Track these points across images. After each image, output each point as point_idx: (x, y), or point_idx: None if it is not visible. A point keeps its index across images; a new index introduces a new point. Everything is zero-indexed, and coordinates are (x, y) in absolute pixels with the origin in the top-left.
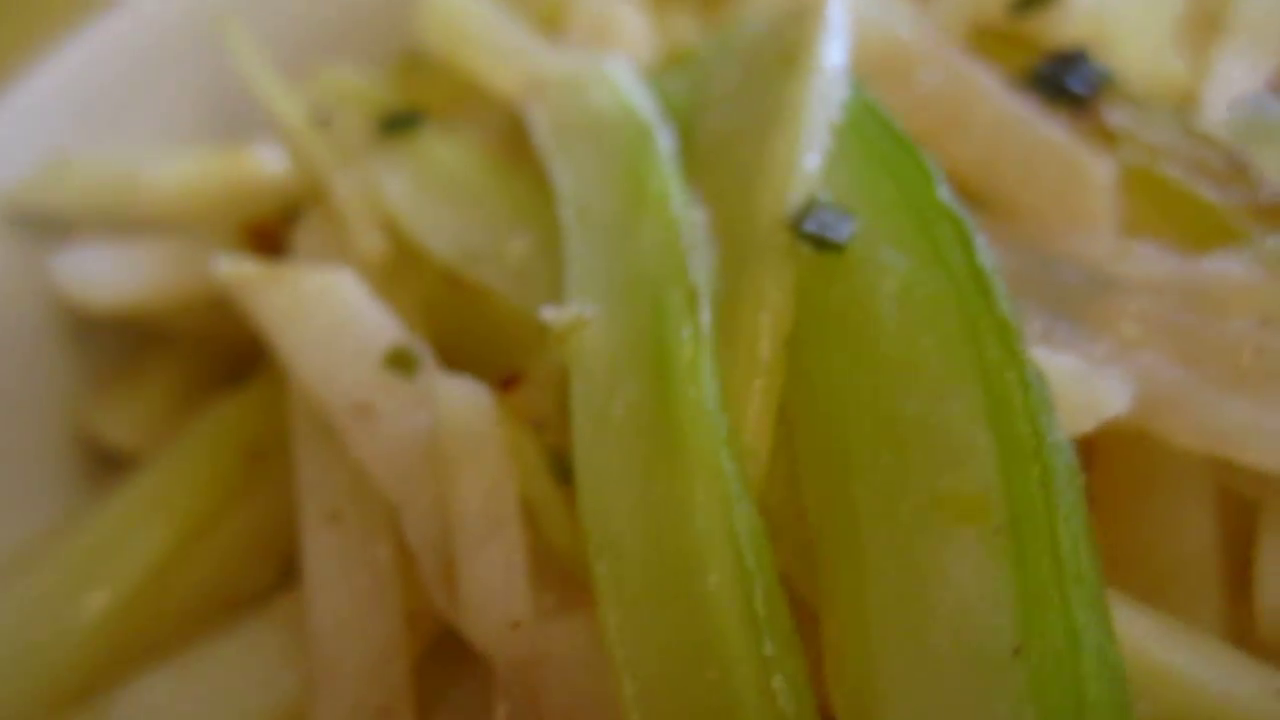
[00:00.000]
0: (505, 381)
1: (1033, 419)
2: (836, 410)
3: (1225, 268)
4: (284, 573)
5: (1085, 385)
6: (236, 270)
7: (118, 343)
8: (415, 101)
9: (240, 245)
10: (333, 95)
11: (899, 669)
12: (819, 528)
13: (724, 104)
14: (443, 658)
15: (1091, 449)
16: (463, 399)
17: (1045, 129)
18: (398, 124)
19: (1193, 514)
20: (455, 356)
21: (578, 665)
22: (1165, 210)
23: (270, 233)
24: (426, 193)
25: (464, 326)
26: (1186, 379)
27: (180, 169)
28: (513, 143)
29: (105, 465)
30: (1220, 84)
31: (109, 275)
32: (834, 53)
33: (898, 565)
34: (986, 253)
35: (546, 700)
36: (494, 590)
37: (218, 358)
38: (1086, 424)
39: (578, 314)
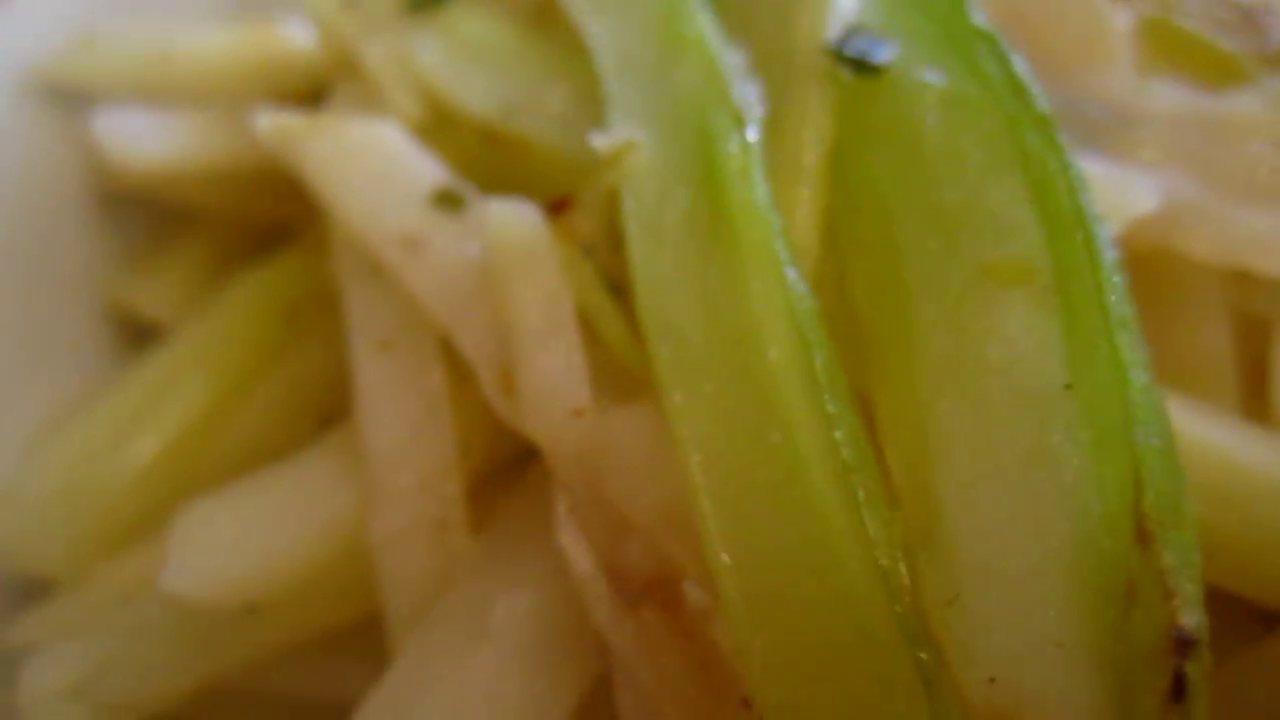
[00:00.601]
0: (554, 205)
1: (1073, 194)
2: (882, 209)
3: (1239, 101)
4: (323, 428)
5: (1116, 186)
6: (278, 123)
7: (149, 217)
8: None
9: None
10: None
11: (952, 417)
12: (869, 314)
13: None
14: (495, 484)
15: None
16: (514, 219)
17: None
18: (424, 1)
19: (1212, 323)
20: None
21: (638, 451)
22: (1179, 57)
23: (300, 107)
24: (459, 57)
25: (504, 174)
26: (1206, 194)
27: (211, 42)
28: (538, 16)
29: (139, 339)
30: None
31: (147, 140)
32: None
33: (949, 330)
34: (1023, 66)
35: (610, 486)
36: (556, 382)
37: (247, 233)
38: (1117, 223)
39: (628, 137)
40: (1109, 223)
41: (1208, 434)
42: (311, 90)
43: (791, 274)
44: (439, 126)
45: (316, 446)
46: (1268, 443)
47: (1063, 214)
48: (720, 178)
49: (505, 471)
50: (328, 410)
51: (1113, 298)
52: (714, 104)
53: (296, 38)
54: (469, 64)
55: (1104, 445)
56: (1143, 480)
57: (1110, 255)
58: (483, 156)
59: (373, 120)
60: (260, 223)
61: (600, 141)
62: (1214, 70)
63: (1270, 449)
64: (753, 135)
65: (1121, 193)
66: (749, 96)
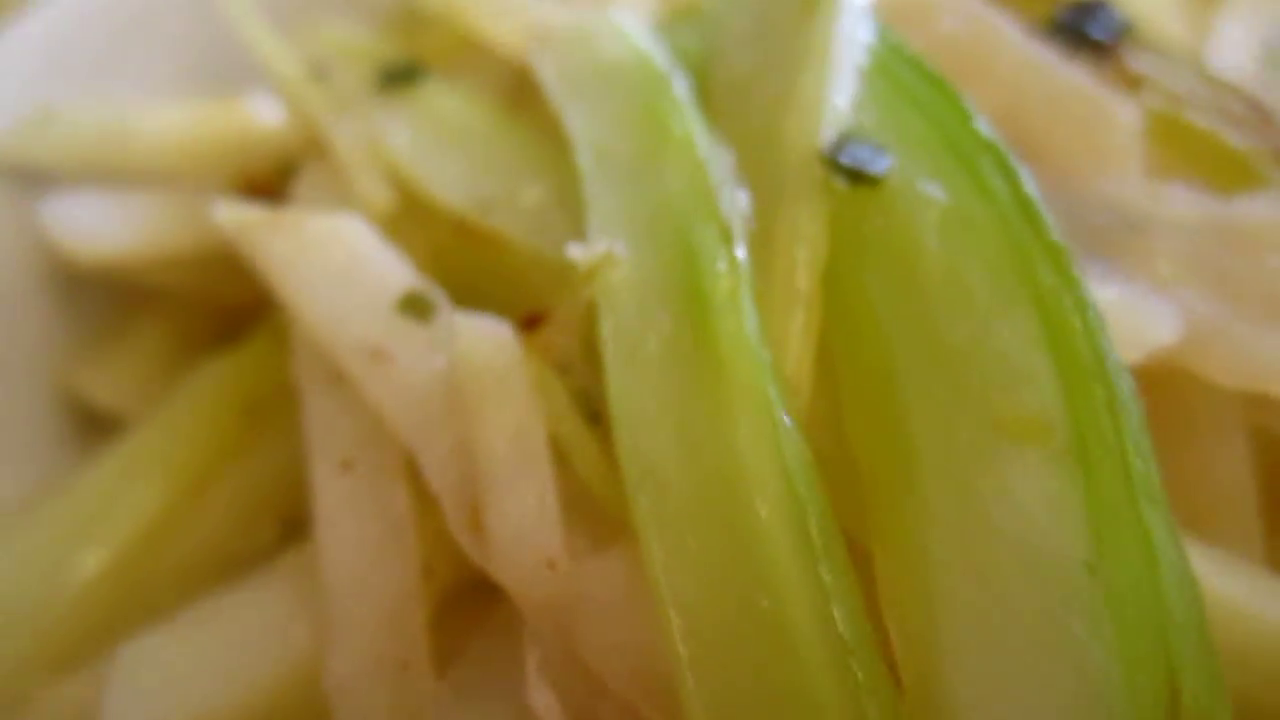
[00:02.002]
0: (527, 320)
1: (1092, 340)
2: (881, 341)
3: (1256, 207)
4: (285, 533)
5: (1133, 314)
6: (238, 216)
7: (106, 300)
8: (414, 55)
9: (235, 201)
10: (329, 50)
11: (962, 592)
12: (868, 461)
13: (740, 51)
14: (461, 610)
15: None
16: (485, 336)
17: (1069, 74)
18: (397, 77)
19: (1231, 451)
20: (469, 305)
21: (615, 606)
22: (1190, 155)
23: (266, 188)
24: (432, 142)
25: (477, 276)
26: (1223, 315)
27: (172, 120)
28: (516, 96)
29: (94, 426)
30: (1223, 46)
31: (100, 226)
32: None
33: (956, 489)
34: (1031, 182)
35: (582, 643)
36: (526, 528)
37: (209, 317)
38: (1135, 354)
39: (606, 249)
40: (1126, 352)
41: (1228, 587)
42: (280, 168)
43: (783, 418)
44: (410, 216)
45: (271, 569)
46: None
47: (1080, 363)
48: (706, 302)
49: (472, 593)
50: (290, 513)
51: (1139, 465)
52: (699, 214)
53: (263, 114)
54: (442, 149)
55: (1132, 639)
56: (1178, 685)
57: (1135, 415)
58: (455, 251)
59: (337, 214)
60: (224, 304)
61: (577, 252)
62: (1226, 170)
63: None
64: (741, 253)
65: (1140, 320)
66: (737, 206)
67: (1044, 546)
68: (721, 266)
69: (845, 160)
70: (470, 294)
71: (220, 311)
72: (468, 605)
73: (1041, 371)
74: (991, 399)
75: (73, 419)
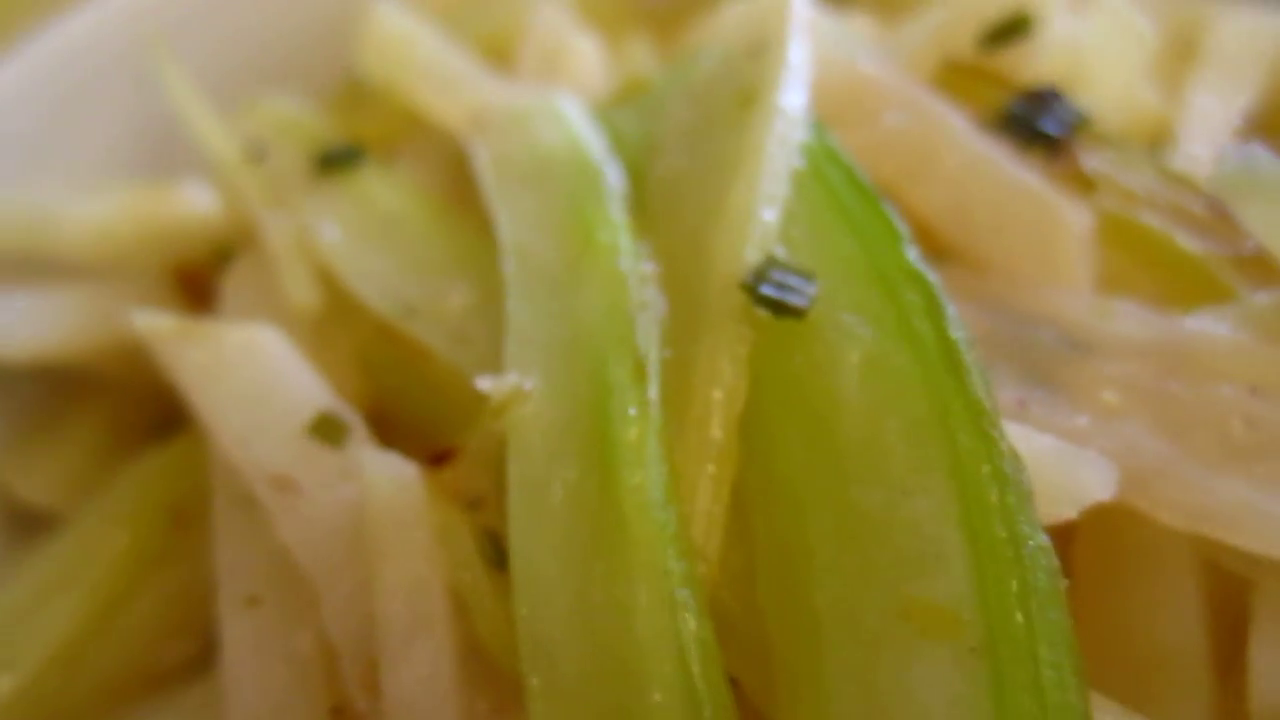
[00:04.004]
0: (436, 456)
1: (1010, 520)
2: (795, 500)
3: (1210, 329)
4: (205, 646)
5: (1067, 469)
6: (153, 324)
7: (37, 392)
8: (356, 134)
9: (168, 290)
10: (269, 128)
11: None
12: (776, 632)
13: (678, 145)
14: None
15: (1069, 527)
16: (388, 477)
17: (1017, 174)
18: (336, 160)
19: (1178, 597)
20: (392, 419)
21: None
22: (1145, 262)
23: (200, 278)
24: (363, 238)
25: (401, 386)
26: (1172, 453)
27: (101, 210)
28: (458, 180)
29: (26, 522)
30: (1196, 118)
31: (23, 325)
32: (793, 93)
33: (860, 683)
34: (957, 323)
35: None
36: (418, 698)
37: (140, 407)
38: (1068, 511)
39: (516, 385)
40: (1058, 508)
41: None
42: (215, 256)
43: (683, 594)
44: (336, 317)
45: (176, 706)
46: None
47: (997, 548)
48: (613, 453)
49: None
50: (212, 631)
51: (1050, 674)
52: (615, 344)
53: (195, 202)
54: (371, 246)
55: None
56: None
57: (1052, 610)
58: (380, 356)
59: (255, 325)
60: (158, 393)
61: (486, 385)
62: (1183, 279)
63: None
64: (654, 393)
65: (1073, 474)
66: (655, 332)
67: None
68: (632, 411)
69: (768, 290)
70: (395, 406)
71: (154, 401)
72: None
73: (954, 554)
74: (901, 581)
75: (7, 514)
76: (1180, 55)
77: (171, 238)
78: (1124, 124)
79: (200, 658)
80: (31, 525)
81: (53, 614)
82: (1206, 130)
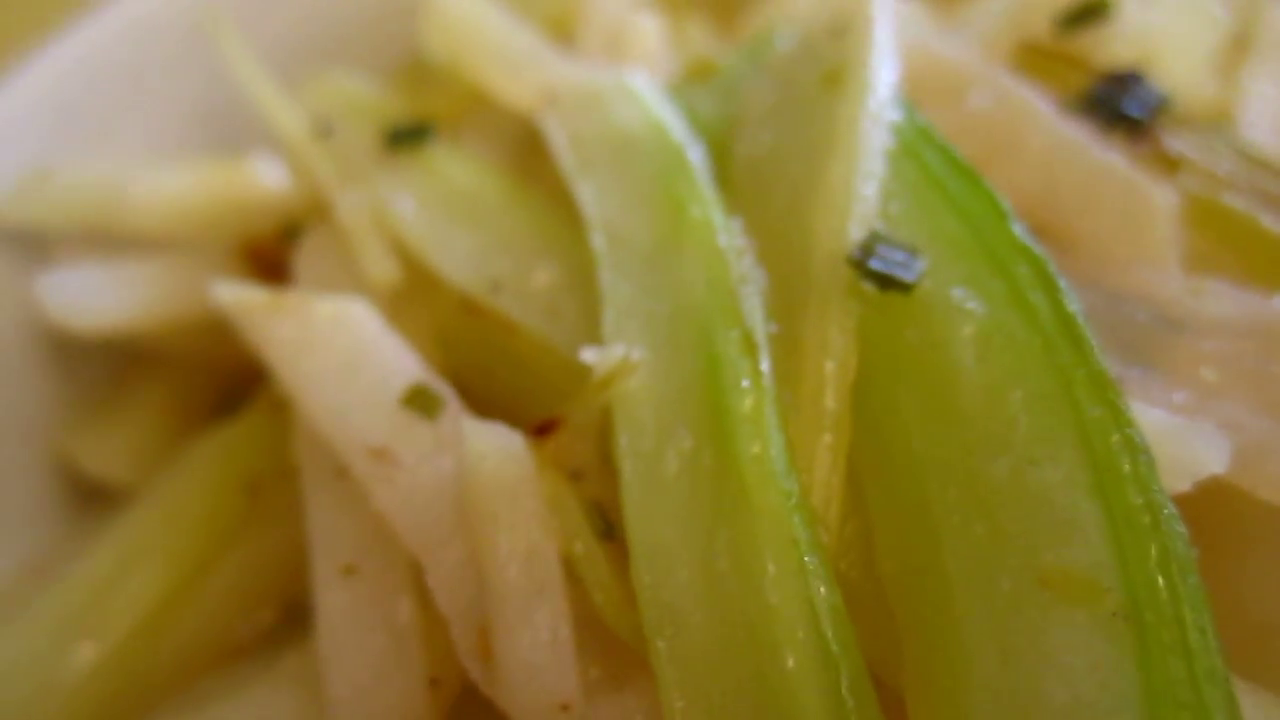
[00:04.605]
0: (540, 427)
1: (1145, 488)
2: (915, 469)
3: None
4: (287, 616)
5: (1180, 442)
6: (239, 297)
7: (104, 366)
8: (421, 112)
9: (237, 265)
10: (335, 105)
11: None
12: (901, 600)
13: (760, 125)
14: (468, 713)
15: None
16: (494, 447)
17: (1102, 155)
18: (404, 137)
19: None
20: (479, 394)
21: None
22: (1230, 243)
23: (269, 253)
24: (439, 213)
25: (487, 360)
26: (1271, 430)
27: (171, 183)
28: (527, 157)
29: (92, 495)
30: (1254, 104)
31: (95, 297)
32: (884, 72)
33: (999, 649)
34: (1072, 296)
35: None
36: (538, 665)
37: (209, 383)
38: (1182, 485)
39: (623, 356)
40: (1173, 481)
41: None
42: (284, 232)
43: (813, 560)
44: (416, 293)
45: (273, 673)
46: None
47: (1133, 515)
48: (728, 424)
49: (481, 705)
50: (293, 597)
51: (1197, 637)
52: (721, 317)
53: (265, 177)
54: (449, 221)
55: None
56: None
57: (1193, 577)
58: (462, 331)
59: (342, 298)
60: (223, 369)
61: (591, 357)
62: (1270, 260)
63: None
64: (765, 366)
65: (1187, 448)
66: (759, 308)
67: None
68: (745, 382)
69: (876, 265)
70: (481, 382)
71: (219, 377)
72: (476, 717)
73: (1090, 522)
74: (1036, 549)
75: (72, 487)
76: (1236, 44)
77: (241, 212)
78: (1187, 110)
79: (279, 627)
80: (98, 499)
81: (135, 584)
82: (1265, 116)
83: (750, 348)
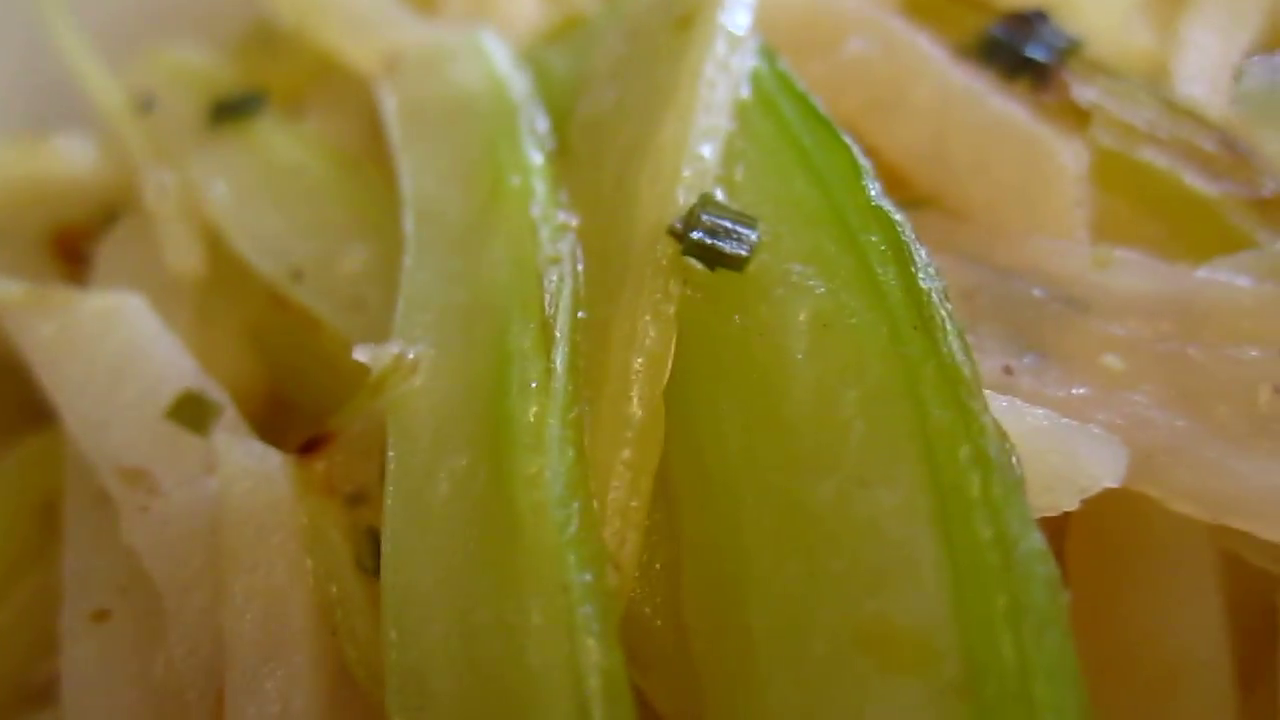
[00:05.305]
0: (308, 443)
1: (996, 517)
2: (730, 493)
3: (1229, 281)
4: None
5: (1065, 449)
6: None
7: None
8: (257, 85)
9: (46, 257)
10: (160, 77)
11: None
12: (705, 659)
13: (608, 79)
14: None
15: (1061, 519)
16: (249, 469)
17: (1001, 106)
18: (231, 110)
19: (1196, 599)
20: (297, 402)
21: None
22: (1149, 206)
23: (78, 243)
24: (254, 195)
25: (298, 361)
26: (1188, 428)
27: None
28: (371, 134)
29: None
30: (1193, 55)
31: None
32: (739, 13)
33: None
34: (929, 270)
35: None
36: None
37: (13, 391)
38: (1067, 502)
39: (399, 354)
40: (1057, 497)
41: None
42: (98, 220)
43: (585, 613)
44: (226, 286)
45: None
46: None
47: (980, 555)
48: (508, 434)
49: None
50: None
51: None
52: (519, 304)
53: (75, 155)
54: (263, 204)
55: None
56: None
57: (1050, 633)
58: (273, 330)
59: (116, 294)
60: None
61: (365, 355)
62: (1193, 225)
63: None
64: (560, 363)
65: (1076, 458)
66: (566, 294)
67: None
68: (533, 382)
69: (700, 235)
70: (294, 383)
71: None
72: None
73: (925, 561)
74: (857, 597)
75: None
76: None
77: (48, 197)
78: (1117, 61)
79: None
80: None
81: None
82: (1204, 68)
83: (545, 340)
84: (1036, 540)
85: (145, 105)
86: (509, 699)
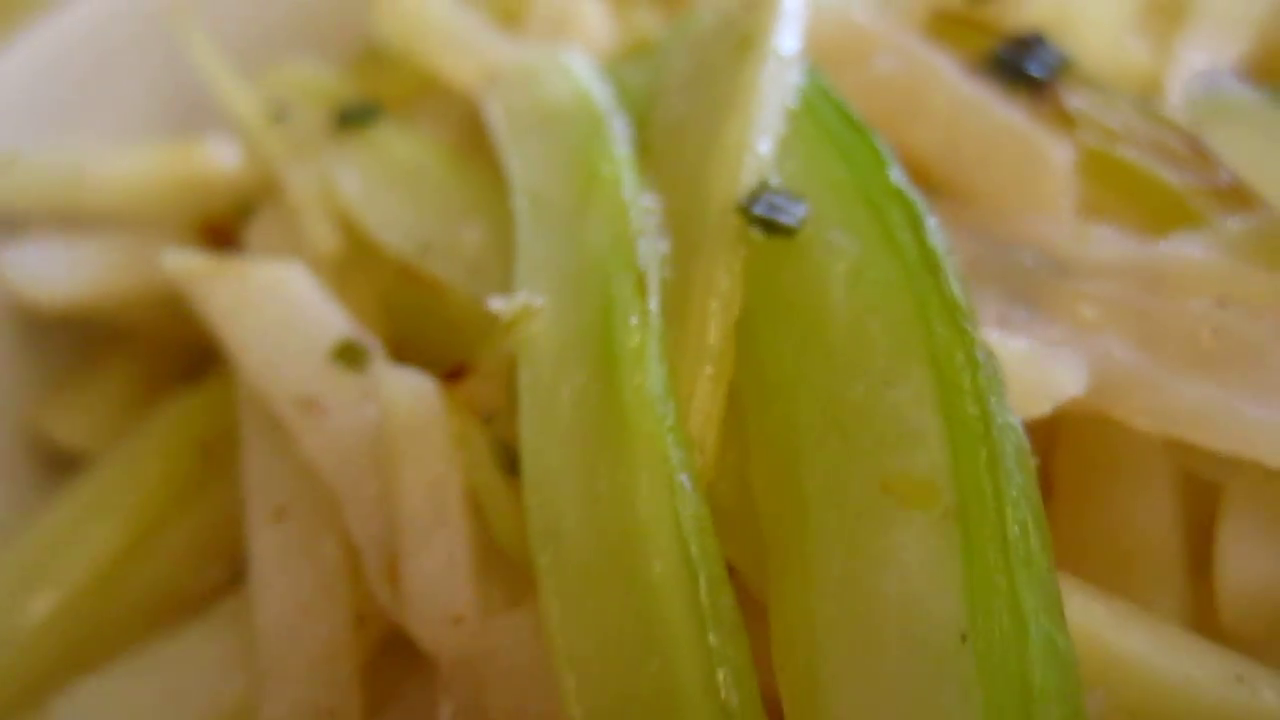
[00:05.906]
0: (451, 373)
1: (980, 399)
2: (786, 396)
3: (1184, 249)
4: (235, 572)
5: (1039, 367)
6: (183, 263)
7: (70, 341)
8: (373, 96)
9: (193, 242)
10: (289, 90)
11: (845, 656)
12: (768, 516)
13: (679, 91)
14: (394, 656)
15: (1053, 433)
16: (407, 390)
17: (1003, 112)
18: (354, 118)
19: (1153, 497)
20: (410, 350)
21: (523, 661)
22: (1124, 193)
23: (224, 230)
24: (381, 186)
25: (419, 320)
26: (1144, 361)
27: (129, 164)
28: (471, 137)
29: (59, 466)
30: (1183, 71)
31: (59, 272)
32: (788, 38)
33: (845, 551)
34: (938, 234)
35: (491, 697)
36: (436, 585)
37: (172, 355)
38: (1042, 406)
39: (525, 302)
40: (1033, 404)
41: (1145, 651)
42: (238, 211)
43: (681, 477)
44: (356, 261)
45: (209, 616)
46: (1211, 657)
47: (968, 423)
48: (615, 357)
49: (404, 643)
50: (242, 553)
51: (1015, 530)
52: (618, 263)
53: (220, 157)
54: (389, 192)
55: (997, 712)
56: None
57: (1019, 477)
58: (399, 295)
59: (280, 263)
60: (185, 343)
61: (498, 304)
62: (1161, 208)
63: (1215, 664)
64: (654, 305)
65: (1046, 373)
66: (655, 256)
67: (923, 613)
68: (634, 320)
69: (761, 210)
70: (413, 339)
71: (182, 349)
72: (399, 654)
73: (932, 433)
74: (883, 459)
75: (39, 458)
76: (1169, 11)
77: (197, 191)
78: (1111, 76)
79: (232, 582)
80: (67, 468)
81: (91, 538)
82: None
83: (641, 289)
84: (1010, 418)
85: (279, 114)
86: (625, 540)
